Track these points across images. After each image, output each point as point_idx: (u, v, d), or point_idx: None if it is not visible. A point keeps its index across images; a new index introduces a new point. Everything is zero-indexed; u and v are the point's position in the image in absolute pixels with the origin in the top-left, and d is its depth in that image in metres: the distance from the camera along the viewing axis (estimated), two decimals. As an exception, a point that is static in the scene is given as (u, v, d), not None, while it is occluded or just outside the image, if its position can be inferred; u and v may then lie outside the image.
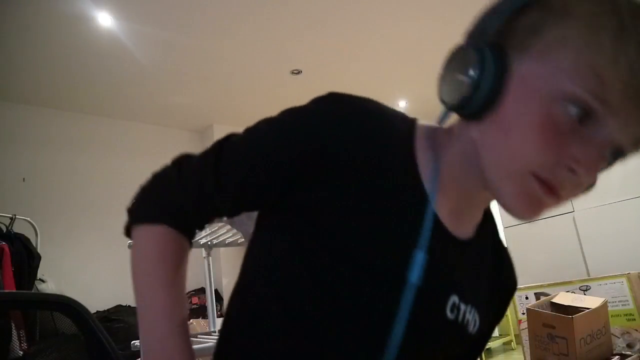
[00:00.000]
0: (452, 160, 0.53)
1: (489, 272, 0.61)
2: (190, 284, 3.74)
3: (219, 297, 4.10)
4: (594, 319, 1.45)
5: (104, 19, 2.88)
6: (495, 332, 3.85)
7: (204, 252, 2.12)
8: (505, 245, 0.66)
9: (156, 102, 4.02)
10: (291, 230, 0.52)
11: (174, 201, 0.55)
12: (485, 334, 0.64)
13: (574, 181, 0.45)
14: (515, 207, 0.47)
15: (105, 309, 3.53)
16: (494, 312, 0.63)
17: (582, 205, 3.08)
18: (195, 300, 3.98)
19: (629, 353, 1.53)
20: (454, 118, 0.53)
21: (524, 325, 1.64)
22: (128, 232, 0.58)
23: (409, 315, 0.49)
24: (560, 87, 0.43)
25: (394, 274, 0.50)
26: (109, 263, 3.63)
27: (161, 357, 0.50)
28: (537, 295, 1.87)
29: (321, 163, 0.50)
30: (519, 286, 0.67)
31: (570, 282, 1.85)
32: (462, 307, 0.54)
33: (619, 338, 1.61)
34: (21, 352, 2.43)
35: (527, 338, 1.60)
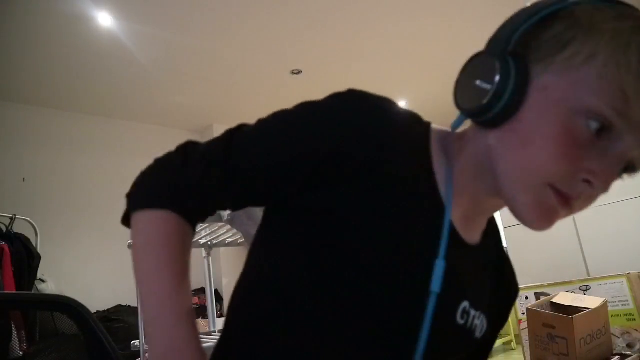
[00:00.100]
0: (464, 166, 0.53)
1: (492, 278, 0.61)
2: (191, 284, 3.72)
3: (219, 297, 4.10)
4: (594, 319, 1.45)
5: (104, 19, 2.88)
6: (495, 332, 3.83)
7: (204, 252, 2.12)
8: (507, 253, 0.66)
9: (156, 102, 4.02)
10: (301, 231, 0.51)
11: (177, 186, 0.51)
12: (489, 341, 0.64)
13: (589, 193, 0.45)
14: (529, 217, 0.47)
15: (105, 309, 3.53)
16: (496, 319, 0.63)
17: (582, 205, 3.08)
18: (195, 300, 3.98)
19: (629, 353, 1.53)
20: (466, 124, 0.53)
21: (524, 325, 1.64)
22: (127, 220, 0.54)
23: (432, 323, 0.49)
24: (583, 101, 0.43)
25: (416, 283, 0.50)
26: (109, 263, 3.63)
27: (168, 347, 0.47)
28: (537, 295, 1.87)
29: (337, 161, 0.49)
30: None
31: (570, 282, 1.85)
32: (472, 312, 0.55)
33: (619, 338, 1.61)
34: (21, 352, 2.43)
35: (527, 338, 1.60)
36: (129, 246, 2.35)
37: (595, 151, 0.44)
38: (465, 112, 0.49)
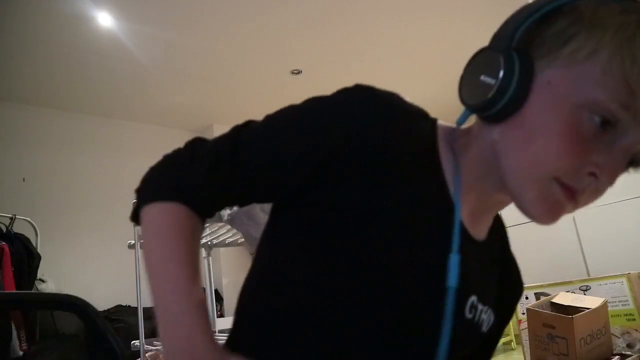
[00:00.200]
0: (471, 162, 0.53)
1: (498, 274, 0.62)
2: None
3: (219, 297, 4.09)
4: (594, 319, 1.45)
5: (104, 19, 2.88)
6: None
7: (204, 252, 2.12)
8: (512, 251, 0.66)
9: (156, 102, 4.02)
10: (311, 229, 0.50)
11: (185, 180, 0.52)
12: (494, 336, 0.64)
13: (594, 187, 0.45)
14: (535, 211, 0.47)
15: (105, 309, 3.52)
16: (501, 315, 0.63)
17: (582, 205, 3.08)
18: (195, 300, 3.98)
19: (629, 353, 1.53)
20: (471, 120, 0.54)
21: (524, 325, 1.64)
22: (136, 216, 0.54)
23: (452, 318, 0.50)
24: (587, 95, 0.43)
25: (431, 278, 0.50)
26: (109, 263, 3.63)
27: (180, 336, 0.46)
28: (537, 295, 1.87)
29: (344, 155, 0.48)
30: (519, 286, 0.68)
31: (570, 282, 1.85)
32: (480, 307, 0.55)
33: (619, 338, 1.61)
34: (21, 352, 2.43)
35: (527, 338, 1.60)
36: (129, 246, 2.36)
37: (601, 145, 0.44)
38: (470, 107, 0.49)
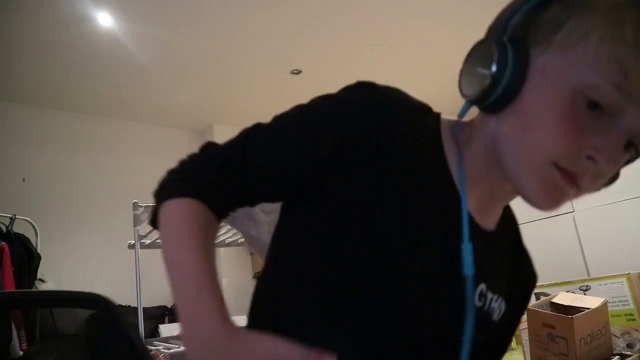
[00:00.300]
0: (475, 153, 0.53)
1: (509, 265, 0.62)
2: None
3: (219, 297, 4.09)
4: (594, 319, 1.45)
5: (104, 19, 2.88)
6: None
7: (204, 252, 2.12)
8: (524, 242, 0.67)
9: (156, 102, 4.02)
10: (323, 221, 0.51)
11: (199, 179, 0.54)
12: (508, 327, 0.64)
13: (594, 170, 0.45)
14: (536, 197, 0.48)
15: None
16: (515, 305, 0.63)
17: (582, 205, 3.08)
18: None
19: (629, 353, 1.53)
20: (474, 112, 0.54)
21: (524, 325, 1.64)
22: (154, 220, 0.55)
23: (459, 307, 0.50)
24: (581, 79, 0.43)
25: (447, 268, 0.51)
26: (109, 263, 3.62)
27: (190, 316, 0.45)
28: (537, 295, 1.87)
29: (349, 149, 0.50)
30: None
31: (570, 282, 1.85)
32: (489, 295, 0.55)
33: (619, 338, 1.61)
34: (21, 352, 2.43)
35: (527, 338, 1.60)
36: (129, 246, 2.35)
37: (598, 128, 0.44)
38: (469, 99, 0.50)
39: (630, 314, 1.66)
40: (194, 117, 4.41)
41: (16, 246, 2.79)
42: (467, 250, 0.50)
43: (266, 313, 0.55)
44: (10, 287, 2.57)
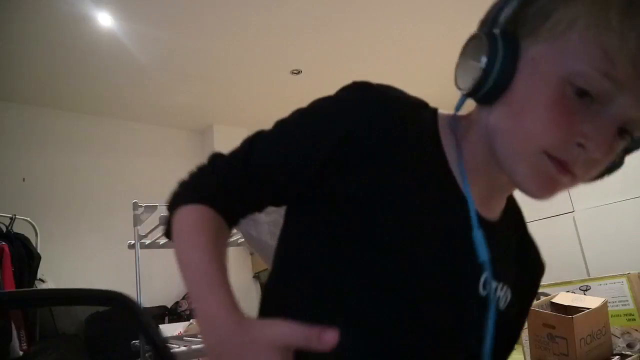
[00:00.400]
0: (473, 145, 0.54)
1: (515, 255, 0.63)
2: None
3: (219, 297, 4.09)
4: (594, 319, 1.45)
5: (104, 19, 2.88)
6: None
7: (204, 252, 2.11)
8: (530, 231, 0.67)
9: (156, 102, 4.02)
10: (328, 220, 0.52)
11: (207, 187, 0.56)
12: (516, 318, 0.66)
13: (585, 158, 0.45)
14: (530, 187, 0.48)
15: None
16: (521, 294, 0.64)
17: (582, 205, 3.08)
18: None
19: (629, 353, 1.53)
20: (471, 106, 0.55)
21: (524, 325, 1.64)
22: (169, 231, 0.56)
23: (458, 296, 0.51)
24: (568, 67, 0.44)
25: (459, 258, 0.52)
26: (109, 263, 3.62)
27: (201, 310, 0.46)
28: (537, 295, 1.87)
29: (349, 147, 0.50)
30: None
31: (570, 282, 1.85)
32: (494, 283, 0.56)
33: (619, 338, 1.61)
34: (21, 352, 2.43)
35: (527, 338, 1.60)
36: (129, 246, 2.35)
37: (588, 115, 0.44)
38: (463, 92, 0.51)
39: (630, 314, 1.66)
40: (194, 117, 4.41)
41: (16, 246, 2.79)
42: (478, 237, 0.51)
43: (273, 314, 0.55)
44: (10, 287, 2.57)
